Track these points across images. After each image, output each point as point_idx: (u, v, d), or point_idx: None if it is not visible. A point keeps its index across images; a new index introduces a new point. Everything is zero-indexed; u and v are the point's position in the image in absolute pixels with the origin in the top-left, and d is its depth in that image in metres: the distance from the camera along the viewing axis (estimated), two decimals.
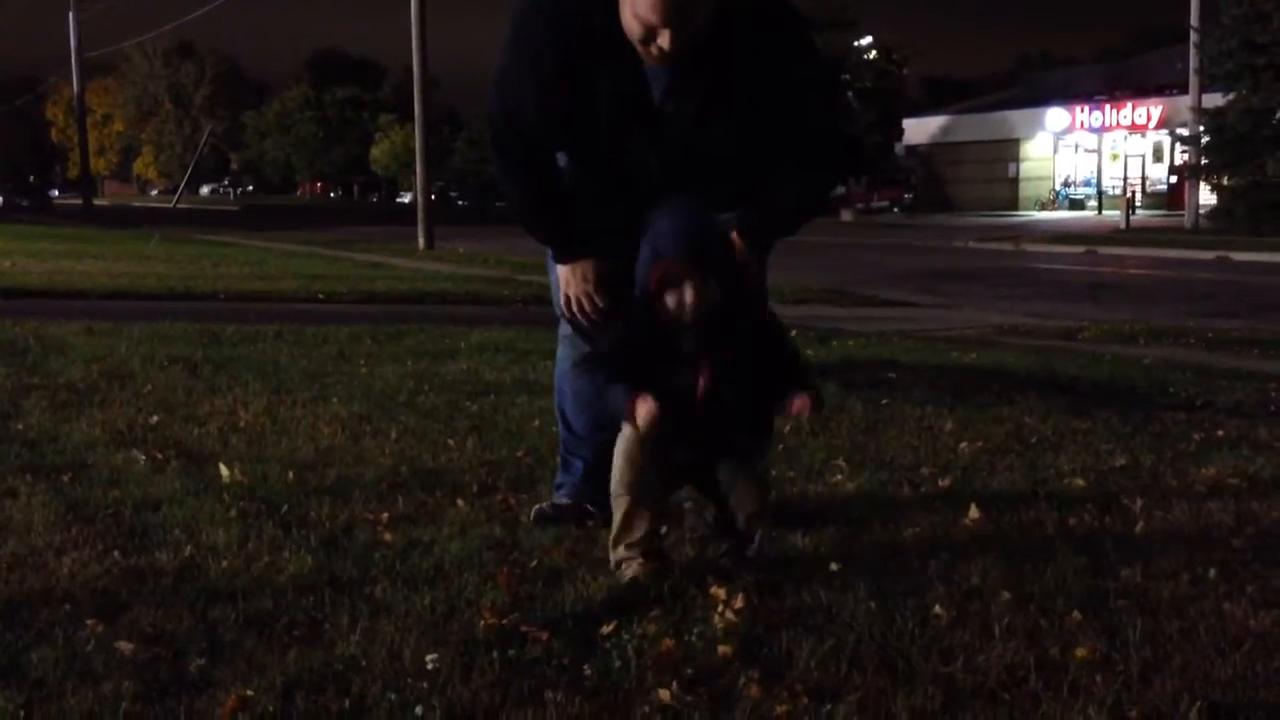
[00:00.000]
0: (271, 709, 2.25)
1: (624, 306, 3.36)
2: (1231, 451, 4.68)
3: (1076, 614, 2.79)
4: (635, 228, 3.38)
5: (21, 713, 2.22)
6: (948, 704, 2.31)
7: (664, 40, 2.99)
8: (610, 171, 3.34)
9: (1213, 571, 3.11)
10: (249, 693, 2.30)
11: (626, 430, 3.12)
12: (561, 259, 3.45)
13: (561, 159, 3.44)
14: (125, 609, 2.77)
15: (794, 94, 3.20)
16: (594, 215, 3.40)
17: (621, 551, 3.10)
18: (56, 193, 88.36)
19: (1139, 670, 2.47)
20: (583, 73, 3.14)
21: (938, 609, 2.80)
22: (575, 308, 3.44)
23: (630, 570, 3.05)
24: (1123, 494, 3.94)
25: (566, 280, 3.44)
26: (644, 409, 2.94)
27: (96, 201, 55.42)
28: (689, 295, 3.00)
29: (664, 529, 3.27)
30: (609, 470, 3.42)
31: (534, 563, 3.15)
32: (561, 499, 3.62)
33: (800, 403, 3.06)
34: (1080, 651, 2.56)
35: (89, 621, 2.66)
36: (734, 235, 3.28)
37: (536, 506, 3.60)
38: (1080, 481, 4.15)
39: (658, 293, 3.03)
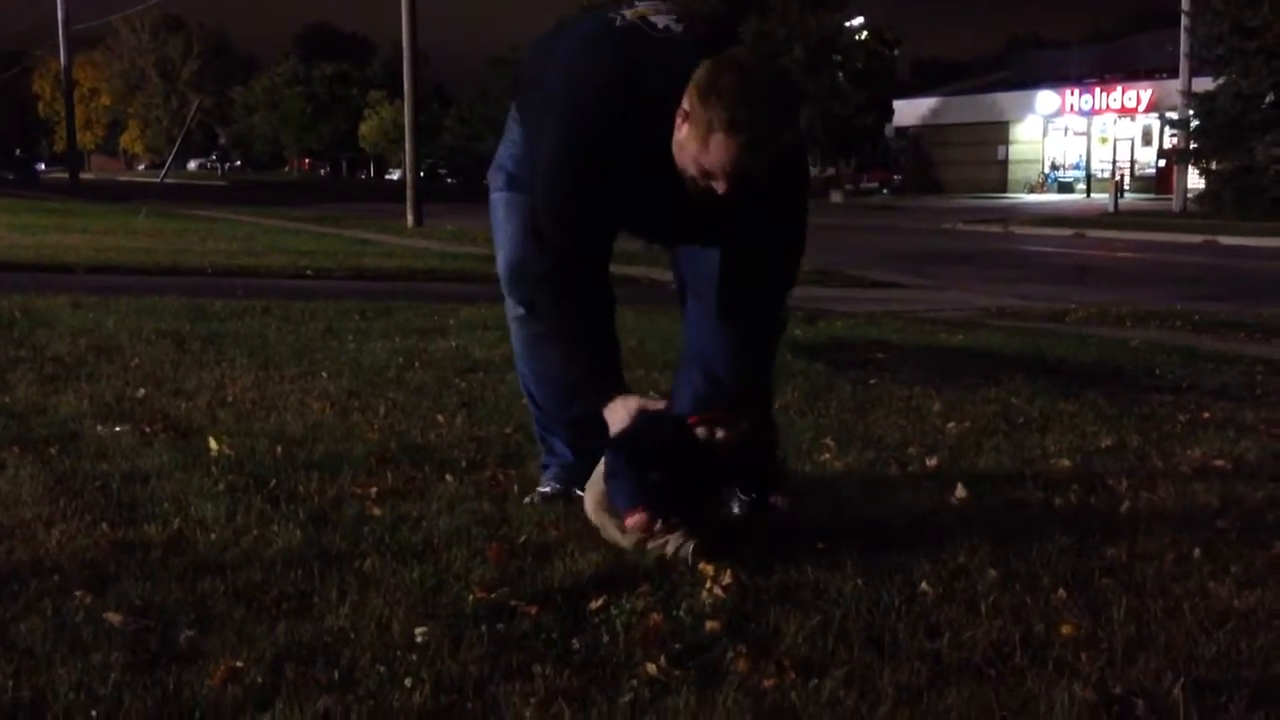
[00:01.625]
0: (261, 680, 2.25)
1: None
2: (1217, 434, 4.71)
3: (1062, 592, 2.81)
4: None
5: (10, 683, 2.22)
6: (933, 680, 2.33)
7: (720, 187, 2.89)
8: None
9: (1197, 551, 3.13)
10: (238, 664, 2.31)
11: (601, 476, 3.13)
12: (603, 400, 3.20)
13: None
14: (114, 581, 2.77)
15: (788, 232, 3.19)
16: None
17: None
18: (43, 166, 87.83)
19: (1123, 647, 2.48)
20: (632, 180, 3.03)
21: (924, 586, 2.82)
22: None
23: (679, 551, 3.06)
24: (1109, 475, 3.96)
25: (618, 422, 3.17)
26: (636, 522, 2.94)
27: (83, 175, 55.06)
28: (722, 435, 3.03)
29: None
30: (589, 447, 3.39)
31: (523, 538, 3.16)
32: (550, 484, 3.59)
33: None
34: (1065, 629, 2.57)
35: (78, 593, 2.66)
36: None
37: (527, 498, 3.54)
38: (1066, 462, 4.17)
39: (694, 425, 3.04)
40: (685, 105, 2.85)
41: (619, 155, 2.99)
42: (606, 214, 3.13)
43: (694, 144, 2.86)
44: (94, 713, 2.12)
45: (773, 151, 2.89)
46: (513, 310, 3.57)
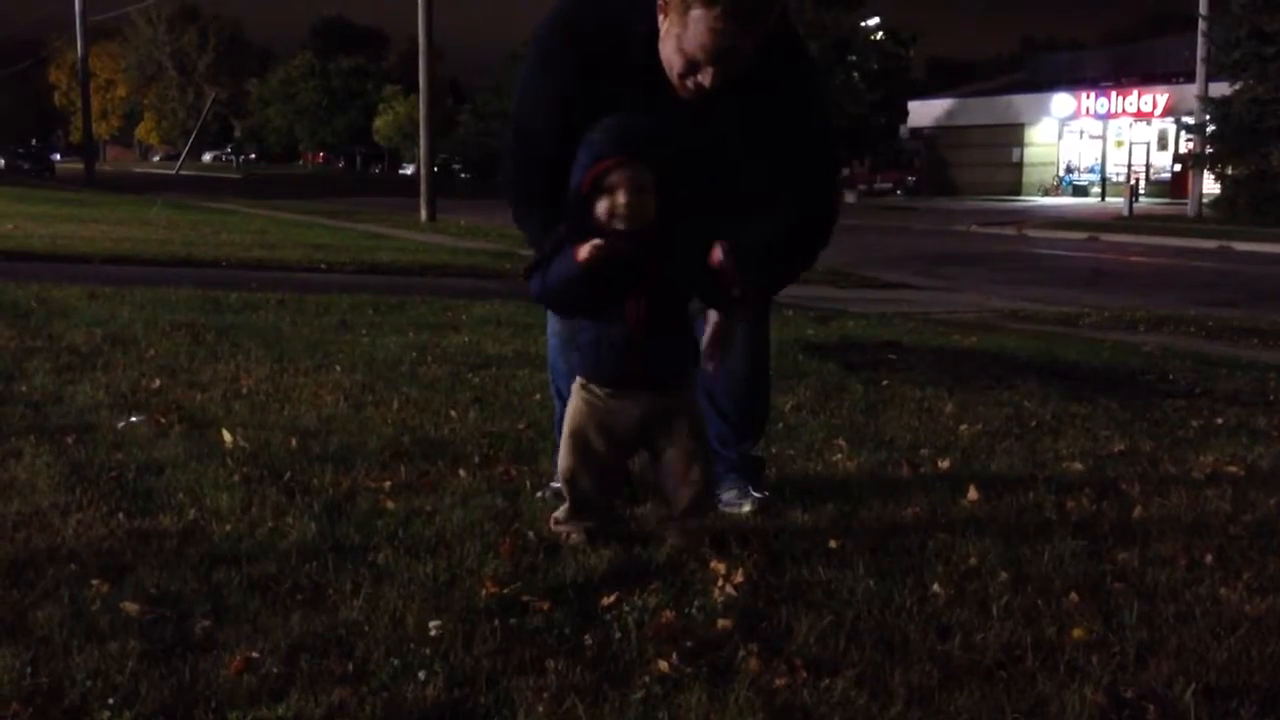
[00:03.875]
0: (276, 671, 2.27)
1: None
2: (1230, 439, 4.70)
3: (1074, 596, 2.81)
4: None
5: (28, 670, 2.24)
6: (945, 681, 2.33)
7: (706, 77, 2.94)
8: None
9: (1209, 557, 3.13)
10: (254, 654, 2.32)
11: (569, 405, 3.17)
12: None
13: None
14: (130, 570, 2.78)
15: (798, 144, 3.19)
16: None
17: (563, 525, 3.15)
18: (59, 156, 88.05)
19: (1135, 652, 2.49)
20: (609, 101, 3.06)
21: (936, 587, 2.82)
22: None
23: (572, 539, 3.10)
24: (1121, 479, 3.96)
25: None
26: (585, 247, 2.88)
27: (98, 166, 55.21)
28: (621, 197, 2.91)
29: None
30: None
31: (535, 534, 3.17)
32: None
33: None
34: (1077, 632, 2.58)
35: (94, 582, 2.68)
36: (716, 245, 3.00)
37: (539, 493, 3.56)
38: (1079, 466, 4.17)
39: (591, 195, 2.94)
40: None
41: (601, 61, 3.06)
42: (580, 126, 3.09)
43: (675, 30, 2.92)
44: (111, 701, 2.14)
45: (755, 25, 2.91)
46: None
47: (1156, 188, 45.68)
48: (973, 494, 3.64)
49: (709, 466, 3.18)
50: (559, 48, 3.16)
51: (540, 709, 2.17)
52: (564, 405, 3.67)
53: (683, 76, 2.98)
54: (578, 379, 3.13)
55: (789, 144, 3.18)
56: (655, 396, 3.08)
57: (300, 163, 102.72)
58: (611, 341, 3.02)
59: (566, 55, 3.13)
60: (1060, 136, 51.36)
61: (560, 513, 3.19)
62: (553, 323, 3.64)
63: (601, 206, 2.93)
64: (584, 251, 2.88)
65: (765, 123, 3.11)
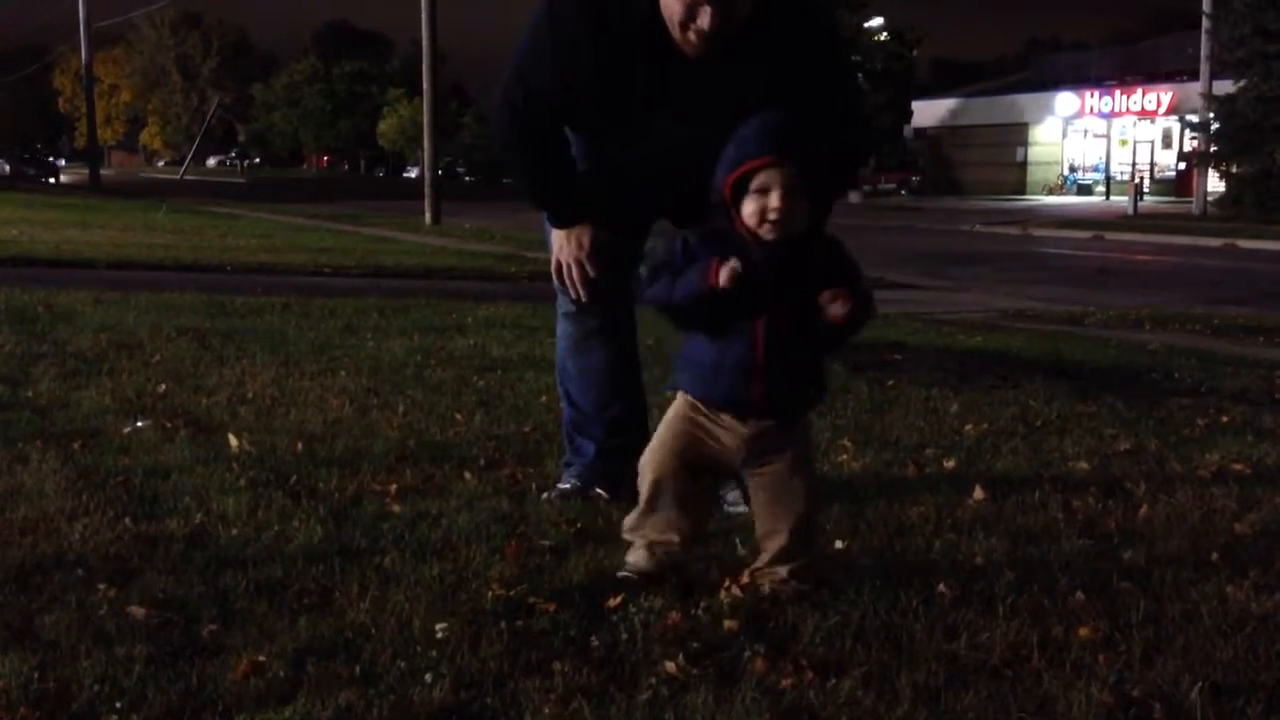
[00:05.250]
0: (283, 674, 2.27)
1: (619, 277, 3.32)
2: (1236, 437, 4.70)
3: (1079, 595, 2.81)
4: (642, 207, 3.40)
5: (35, 674, 2.25)
6: (951, 681, 2.33)
7: (704, 20, 2.94)
8: (631, 157, 3.32)
9: (1215, 555, 3.13)
10: (261, 658, 2.33)
11: (668, 416, 2.89)
12: (558, 223, 3.43)
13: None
14: (137, 574, 2.79)
15: (824, 85, 3.20)
16: (600, 189, 3.39)
17: (632, 535, 2.93)
18: (64, 162, 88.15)
19: (1141, 651, 2.48)
20: (619, 61, 3.10)
21: (942, 587, 2.82)
22: (565, 275, 3.44)
23: (632, 557, 2.89)
24: (1126, 478, 3.96)
25: (560, 246, 3.43)
26: (725, 270, 2.63)
27: (103, 172, 55.23)
28: (774, 200, 2.65)
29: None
30: (622, 448, 3.42)
31: (542, 537, 3.17)
32: (571, 480, 3.61)
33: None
34: (1083, 631, 2.58)
35: (101, 586, 2.68)
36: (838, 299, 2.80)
37: (545, 494, 3.57)
38: (1084, 465, 4.16)
39: (734, 197, 2.69)
40: None
41: (609, 28, 3.08)
42: (590, 82, 3.16)
43: None
44: (118, 705, 2.14)
45: None
46: (563, 305, 3.61)
47: (1161, 186, 45.58)
48: (978, 494, 3.64)
49: (813, 506, 2.89)
50: (566, 5, 3.18)
51: (547, 710, 2.17)
52: (573, 408, 3.67)
53: (684, 27, 2.99)
54: (683, 394, 2.87)
55: (822, 89, 3.18)
56: (768, 425, 2.81)
57: (305, 167, 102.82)
58: (731, 363, 2.75)
59: (574, 9, 3.15)
60: (1065, 135, 51.26)
61: (630, 518, 2.94)
62: (562, 325, 3.65)
63: (749, 210, 2.69)
64: (724, 276, 2.63)
65: (796, 79, 3.11)
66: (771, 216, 2.66)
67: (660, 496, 2.86)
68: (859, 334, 2.88)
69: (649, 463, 2.88)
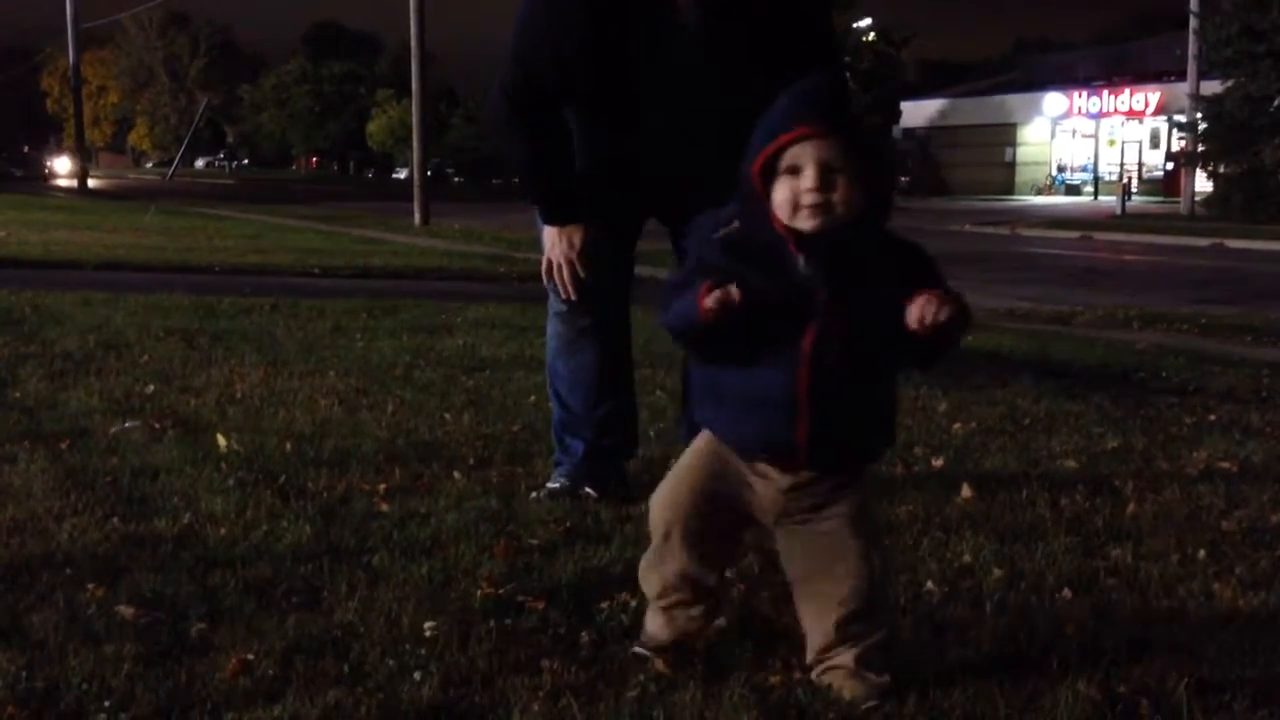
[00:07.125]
0: (272, 673, 2.27)
1: (609, 277, 3.27)
2: (1223, 436, 4.72)
3: (1067, 592, 2.82)
4: (632, 201, 3.39)
5: (24, 674, 2.24)
6: (939, 677, 2.34)
7: None
8: (625, 150, 3.32)
9: (1202, 553, 3.14)
10: (249, 657, 2.33)
11: (687, 452, 2.40)
12: (550, 219, 3.43)
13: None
14: (125, 574, 2.79)
15: (812, 34, 3.23)
16: (595, 181, 3.38)
17: (646, 588, 2.45)
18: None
19: (1128, 647, 2.49)
20: (612, 29, 3.11)
21: (930, 585, 2.83)
22: (555, 274, 3.44)
23: (649, 625, 2.44)
24: (1114, 476, 3.98)
25: (551, 244, 3.43)
26: (714, 295, 2.11)
27: (91, 173, 55.06)
28: (807, 181, 2.12)
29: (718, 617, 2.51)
30: (611, 448, 3.42)
31: (530, 536, 3.17)
32: (560, 479, 3.61)
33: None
34: (1070, 628, 2.58)
35: (89, 585, 2.68)
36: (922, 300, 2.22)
37: (534, 494, 3.57)
38: (1072, 463, 4.18)
39: (764, 177, 2.17)
40: None
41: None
42: (588, 45, 3.16)
43: None
44: (106, 704, 2.14)
45: None
46: (554, 305, 3.60)
47: (1149, 186, 45.69)
48: (966, 492, 3.65)
49: (881, 570, 2.32)
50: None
51: (535, 708, 2.18)
52: (562, 408, 3.66)
53: None
54: (707, 432, 2.37)
55: (800, 42, 3.20)
56: (812, 479, 2.28)
57: (293, 168, 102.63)
58: (765, 394, 2.21)
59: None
60: (1053, 136, 51.37)
61: (641, 564, 2.44)
62: (553, 325, 3.65)
63: (780, 198, 2.16)
64: (710, 301, 2.12)
65: (777, 29, 3.14)
66: (806, 200, 2.13)
67: (671, 540, 2.34)
68: (957, 348, 2.25)
69: (660, 498, 2.37)
